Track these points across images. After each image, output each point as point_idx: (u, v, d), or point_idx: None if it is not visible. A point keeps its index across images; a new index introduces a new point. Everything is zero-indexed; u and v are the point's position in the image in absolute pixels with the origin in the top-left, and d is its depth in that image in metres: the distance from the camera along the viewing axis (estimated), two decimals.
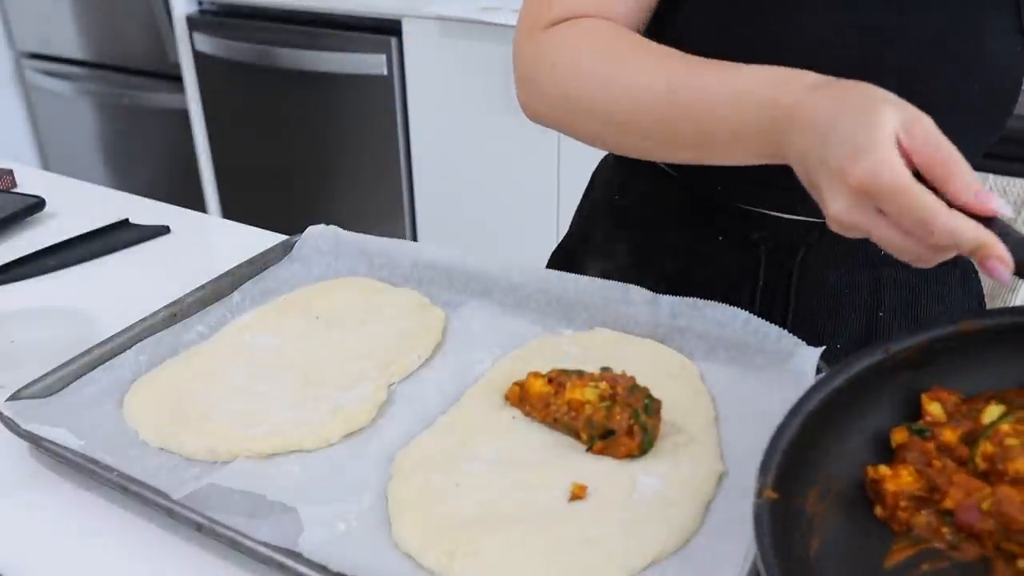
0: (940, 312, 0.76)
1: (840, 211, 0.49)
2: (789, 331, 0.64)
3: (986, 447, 0.47)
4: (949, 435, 0.49)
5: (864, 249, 0.72)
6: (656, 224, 0.80)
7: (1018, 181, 1.30)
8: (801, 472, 0.47)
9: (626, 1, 0.69)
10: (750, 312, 0.66)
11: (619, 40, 0.66)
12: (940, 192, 0.46)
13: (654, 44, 0.65)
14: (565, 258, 0.92)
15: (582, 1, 0.69)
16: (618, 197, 0.85)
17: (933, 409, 0.51)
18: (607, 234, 0.86)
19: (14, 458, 0.59)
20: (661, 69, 0.62)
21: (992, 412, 0.49)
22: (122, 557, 0.51)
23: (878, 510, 0.48)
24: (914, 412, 0.52)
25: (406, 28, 1.98)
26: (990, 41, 0.65)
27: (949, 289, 0.78)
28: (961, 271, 0.80)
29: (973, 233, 0.45)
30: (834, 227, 0.50)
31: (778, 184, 0.67)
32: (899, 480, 0.47)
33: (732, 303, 0.67)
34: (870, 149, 0.47)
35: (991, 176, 1.32)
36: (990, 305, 1.34)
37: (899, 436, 0.51)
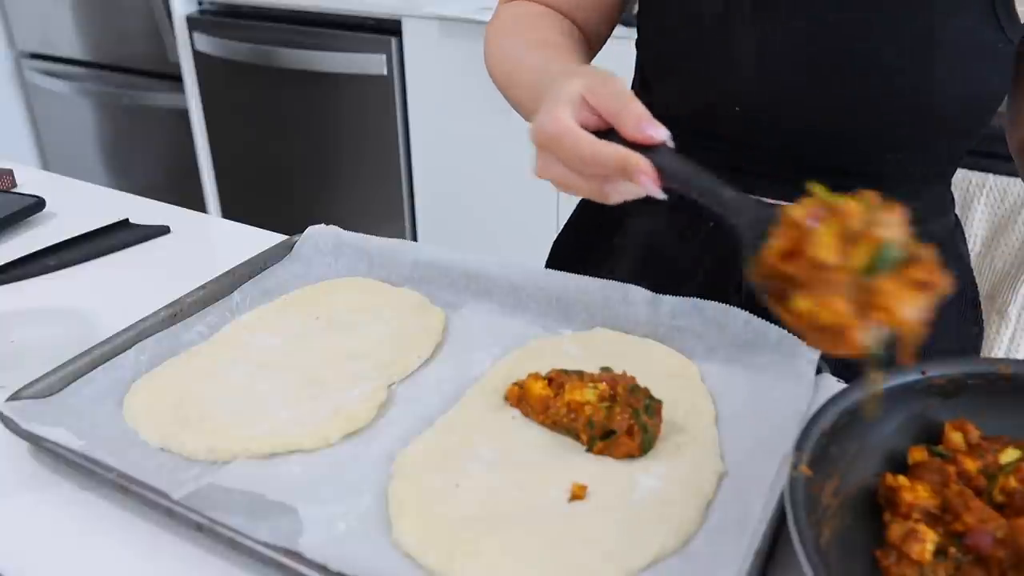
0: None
1: (537, 168, 0.56)
2: (776, 322, 0.64)
3: (1007, 482, 0.49)
4: (970, 464, 0.50)
5: None
6: (640, 212, 0.81)
7: (1018, 181, 1.30)
8: (824, 463, 0.48)
9: None
10: (737, 301, 0.66)
11: (525, 24, 0.77)
12: (619, 133, 0.52)
13: (549, 32, 0.75)
14: (564, 251, 0.93)
15: None
16: None
17: (955, 438, 0.52)
18: (601, 227, 0.87)
19: (14, 458, 0.59)
20: (522, 53, 0.73)
21: (1011, 454, 0.51)
22: (122, 557, 0.51)
23: (887, 517, 0.49)
24: (928, 437, 0.53)
25: (406, 28, 1.98)
26: (964, 37, 0.65)
27: None
28: (954, 268, 0.80)
29: (615, 154, 0.51)
30: (557, 188, 0.57)
31: (764, 174, 0.67)
32: (916, 493, 0.48)
33: (717, 291, 0.67)
34: (544, 109, 0.54)
35: (991, 176, 1.32)
36: (986, 305, 1.34)
37: (917, 455, 0.51)
